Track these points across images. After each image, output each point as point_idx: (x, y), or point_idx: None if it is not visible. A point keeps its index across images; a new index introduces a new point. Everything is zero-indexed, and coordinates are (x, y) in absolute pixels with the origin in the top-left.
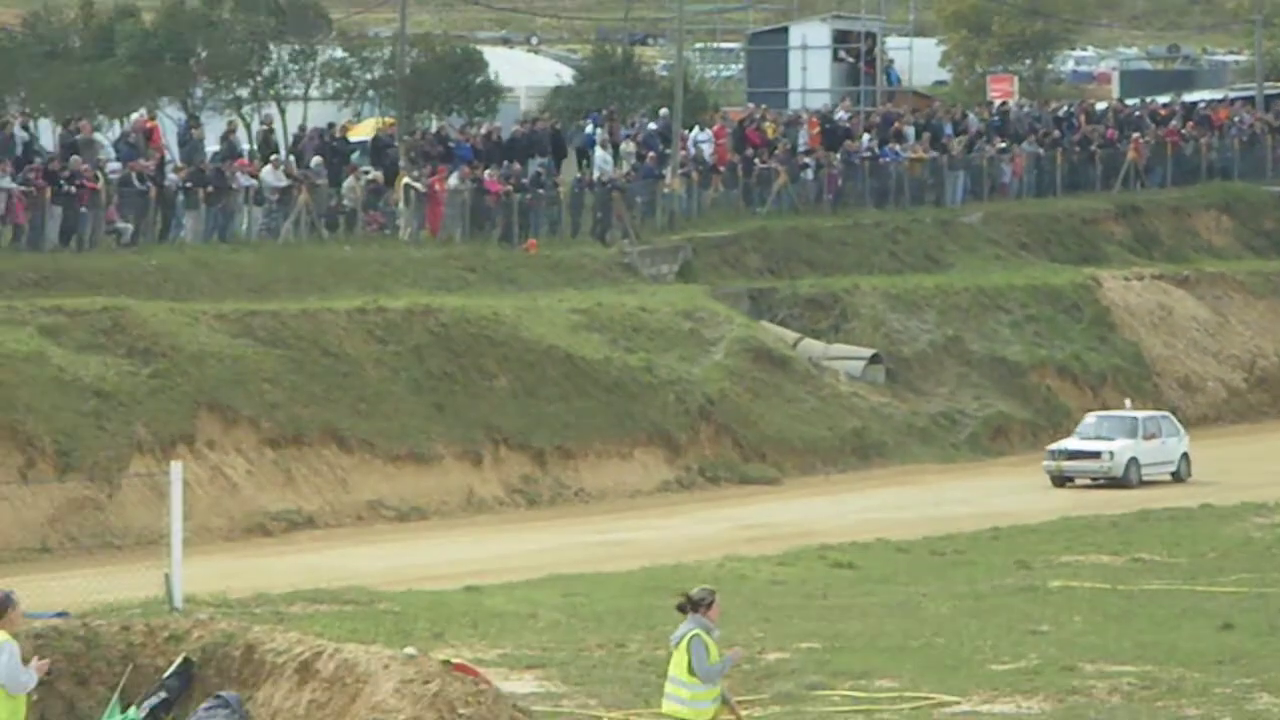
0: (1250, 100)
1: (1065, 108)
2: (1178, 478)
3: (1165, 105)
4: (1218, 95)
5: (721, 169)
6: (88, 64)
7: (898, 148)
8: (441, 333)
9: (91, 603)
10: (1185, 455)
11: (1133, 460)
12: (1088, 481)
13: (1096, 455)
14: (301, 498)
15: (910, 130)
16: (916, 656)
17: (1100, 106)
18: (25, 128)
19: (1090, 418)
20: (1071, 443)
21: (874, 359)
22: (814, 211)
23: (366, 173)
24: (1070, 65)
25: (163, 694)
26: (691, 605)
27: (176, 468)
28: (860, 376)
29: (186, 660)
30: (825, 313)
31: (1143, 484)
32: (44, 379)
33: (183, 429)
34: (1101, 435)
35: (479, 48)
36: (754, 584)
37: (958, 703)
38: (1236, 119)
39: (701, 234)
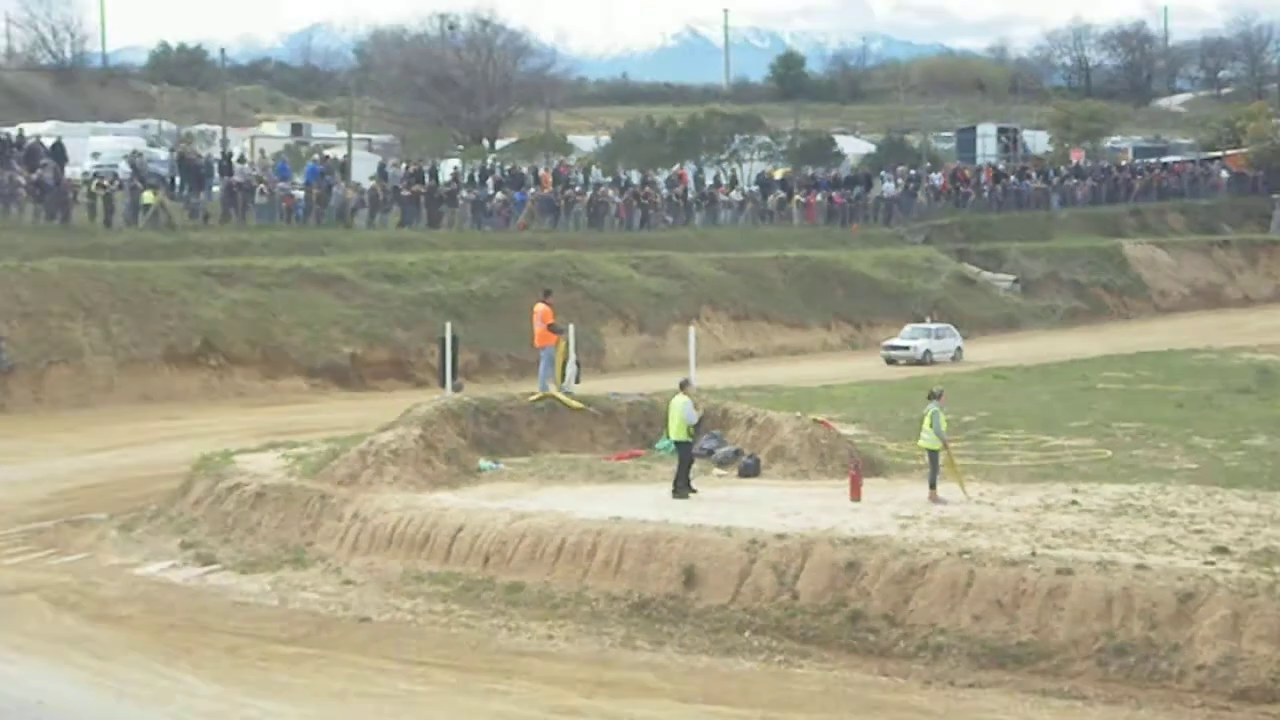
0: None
1: (1107, 164)
2: (955, 360)
3: (1151, 164)
4: (1176, 158)
5: (944, 191)
6: (652, 144)
7: (1027, 182)
8: (812, 268)
9: (652, 393)
10: (959, 348)
11: (927, 350)
12: (904, 362)
13: (907, 348)
14: (747, 342)
15: (1034, 174)
16: (1032, 419)
17: (1123, 163)
18: (625, 174)
19: (907, 328)
20: (895, 341)
21: (1015, 281)
22: (989, 211)
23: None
24: (1109, 144)
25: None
26: (933, 395)
27: (691, 330)
28: (1009, 289)
29: (701, 416)
30: (994, 260)
31: (933, 363)
32: (633, 288)
33: (693, 311)
34: (913, 337)
35: (834, 136)
36: (960, 386)
37: (1053, 439)
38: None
39: (935, 222)
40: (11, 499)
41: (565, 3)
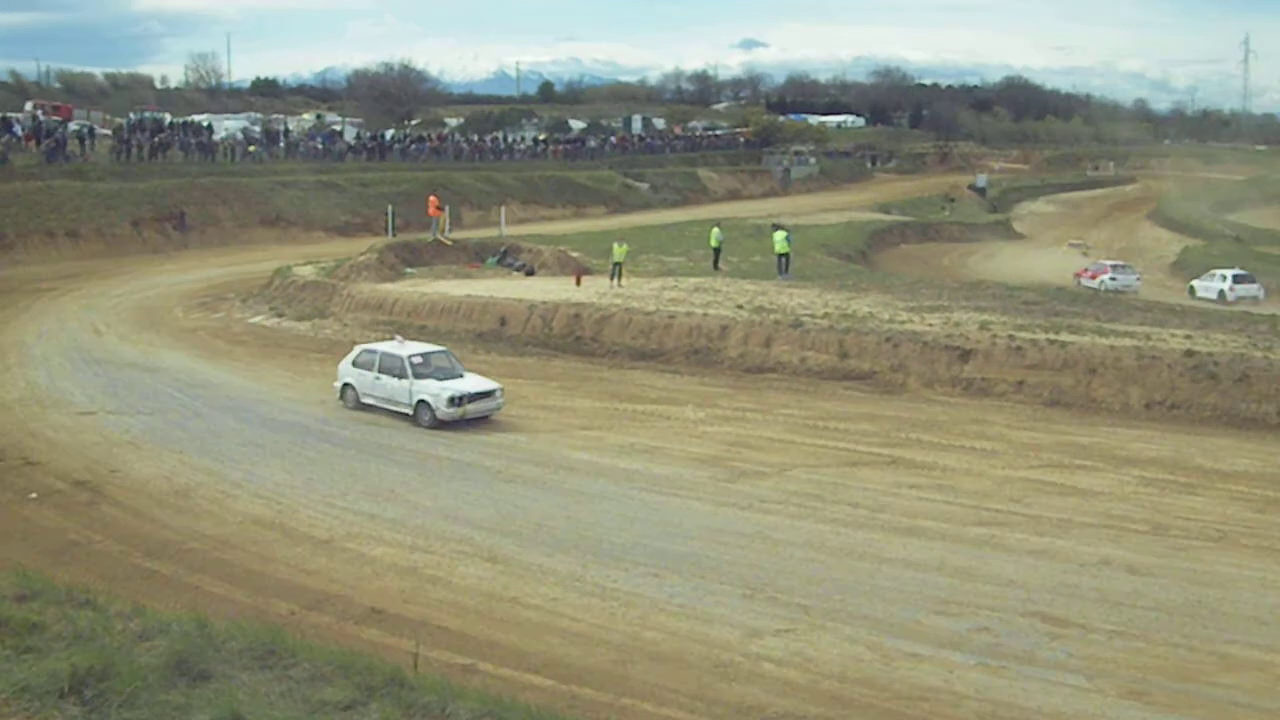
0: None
1: (691, 134)
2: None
3: (710, 134)
4: (721, 131)
5: (617, 145)
6: (482, 121)
7: (654, 141)
8: (556, 178)
9: (482, 237)
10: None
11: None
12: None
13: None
14: (527, 215)
15: (658, 139)
16: (656, 247)
17: (698, 134)
18: (474, 135)
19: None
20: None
21: (650, 186)
22: (637, 154)
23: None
24: (691, 124)
25: (502, 251)
26: (619, 241)
27: (502, 209)
28: (646, 190)
29: (507, 248)
30: (638, 176)
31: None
32: (475, 189)
33: (502, 200)
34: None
35: (569, 120)
36: (625, 233)
37: (666, 257)
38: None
39: (614, 159)
40: (191, 288)
41: (442, 52)
